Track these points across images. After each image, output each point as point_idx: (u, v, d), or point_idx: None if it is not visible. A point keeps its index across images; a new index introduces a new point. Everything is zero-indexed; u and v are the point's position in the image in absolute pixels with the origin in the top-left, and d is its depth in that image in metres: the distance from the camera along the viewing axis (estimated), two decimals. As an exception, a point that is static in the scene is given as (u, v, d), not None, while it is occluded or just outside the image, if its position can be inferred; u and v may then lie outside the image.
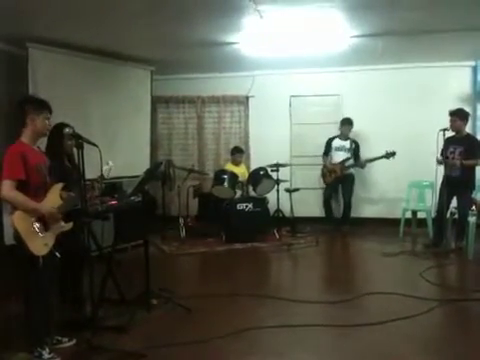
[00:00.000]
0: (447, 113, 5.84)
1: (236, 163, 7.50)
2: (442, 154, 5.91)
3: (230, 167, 7.35)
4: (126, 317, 3.78)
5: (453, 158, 5.76)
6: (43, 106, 3.25)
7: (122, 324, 3.67)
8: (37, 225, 3.10)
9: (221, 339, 3.45)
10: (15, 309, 3.60)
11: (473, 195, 5.89)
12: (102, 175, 3.95)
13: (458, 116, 5.75)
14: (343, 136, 7.35)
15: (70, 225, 3.33)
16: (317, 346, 3.42)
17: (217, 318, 3.92)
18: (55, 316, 3.45)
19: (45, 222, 3.15)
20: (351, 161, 7.24)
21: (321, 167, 7.49)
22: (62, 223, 3.29)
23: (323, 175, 7.43)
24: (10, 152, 3.09)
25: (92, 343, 3.27)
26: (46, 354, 3.16)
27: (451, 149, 5.79)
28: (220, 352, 3.31)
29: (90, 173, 3.38)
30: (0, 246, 5.15)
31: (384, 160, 6.95)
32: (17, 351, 3.17)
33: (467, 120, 5.85)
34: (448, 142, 5.82)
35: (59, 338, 3.41)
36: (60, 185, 3.32)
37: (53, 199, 3.24)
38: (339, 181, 7.35)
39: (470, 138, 5.88)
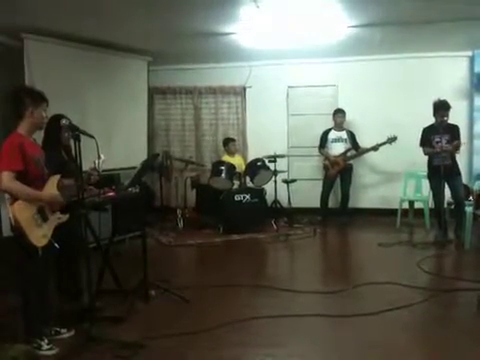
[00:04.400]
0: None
1: (231, 153, 7.47)
2: (424, 144, 5.93)
3: (226, 158, 7.34)
4: (124, 308, 3.80)
5: (441, 147, 5.77)
6: (41, 98, 3.26)
7: (120, 315, 3.69)
8: (37, 216, 3.10)
9: (219, 329, 3.48)
10: (13, 300, 3.61)
11: (470, 184, 5.90)
12: (96, 167, 3.93)
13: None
14: (338, 127, 7.31)
15: (67, 216, 3.34)
16: (314, 336, 3.44)
17: (215, 308, 3.94)
18: (53, 307, 3.46)
19: (44, 213, 3.15)
20: (353, 151, 7.20)
21: (322, 160, 7.42)
22: (59, 214, 3.29)
23: (326, 168, 7.28)
24: (8, 143, 3.08)
25: (91, 334, 3.29)
26: (45, 345, 3.18)
27: (437, 139, 5.80)
28: (218, 342, 3.32)
29: (85, 165, 3.37)
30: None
31: (381, 151, 6.95)
32: (16, 342, 3.17)
33: None
34: (431, 132, 5.87)
35: (58, 329, 3.42)
36: (57, 176, 3.31)
37: (51, 190, 3.23)
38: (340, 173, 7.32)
39: (452, 125, 5.88)
